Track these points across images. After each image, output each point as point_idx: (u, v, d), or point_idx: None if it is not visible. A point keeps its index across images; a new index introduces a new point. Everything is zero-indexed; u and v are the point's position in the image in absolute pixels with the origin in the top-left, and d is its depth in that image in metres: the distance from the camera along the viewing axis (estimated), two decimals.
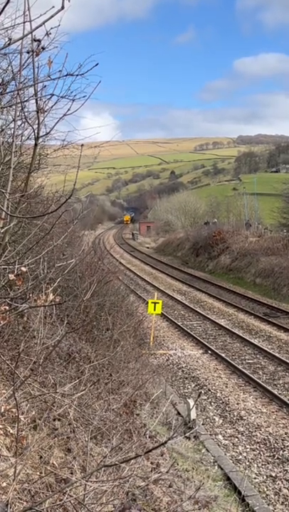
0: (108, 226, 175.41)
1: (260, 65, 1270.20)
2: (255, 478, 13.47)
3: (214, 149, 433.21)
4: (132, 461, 6.32)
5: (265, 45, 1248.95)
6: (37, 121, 5.59)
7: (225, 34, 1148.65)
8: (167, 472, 8.61)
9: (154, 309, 25.50)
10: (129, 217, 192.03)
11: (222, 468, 13.00)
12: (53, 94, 5.51)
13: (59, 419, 7.69)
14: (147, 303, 27.06)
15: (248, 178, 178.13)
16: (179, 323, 31.29)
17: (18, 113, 6.21)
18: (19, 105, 6.00)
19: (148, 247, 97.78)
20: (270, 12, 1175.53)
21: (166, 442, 5.56)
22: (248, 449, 15.11)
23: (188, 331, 29.32)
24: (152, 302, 25.80)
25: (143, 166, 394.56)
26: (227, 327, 30.05)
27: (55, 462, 6.51)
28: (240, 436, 16.02)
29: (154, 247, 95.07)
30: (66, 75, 5.40)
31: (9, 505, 4.85)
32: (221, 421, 17.20)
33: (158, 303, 25.81)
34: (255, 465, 14.19)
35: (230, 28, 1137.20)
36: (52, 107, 5.85)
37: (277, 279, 42.48)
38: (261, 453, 14.85)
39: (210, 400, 18.99)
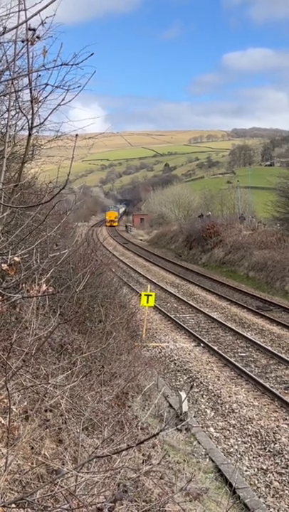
0: (101, 218, 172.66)
1: (248, 60, 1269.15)
2: (246, 470, 13.51)
3: (208, 142, 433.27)
4: (124, 452, 6.32)
5: (253, 41, 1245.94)
6: (31, 111, 5.56)
7: (213, 29, 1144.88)
8: (158, 464, 8.62)
9: (147, 302, 25.49)
10: (115, 214, 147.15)
11: (213, 461, 13.03)
12: (47, 84, 5.49)
13: (51, 410, 7.69)
14: (140, 295, 27.05)
15: (243, 171, 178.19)
16: (171, 316, 31.30)
17: (12, 103, 6.18)
18: (13, 95, 5.96)
19: (141, 240, 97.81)
20: (256, 8, 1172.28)
21: (157, 434, 5.56)
22: (239, 442, 15.14)
23: (181, 323, 29.33)
24: (145, 294, 25.79)
25: (137, 158, 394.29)
26: (220, 320, 30.07)
27: (46, 453, 6.51)
28: (231, 428, 16.05)
29: (147, 240, 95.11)
30: (61, 65, 5.37)
31: (0, 496, 4.85)
32: (213, 413, 17.23)
33: (151, 295, 25.81)
34: (247, 458, 14.22)
35: (218, 24, 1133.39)
36: (46, 97, 5.84)
37: (271, 272, 42.55)
38: (252, 446, 14.89)
39: (202, 392, 19.01)
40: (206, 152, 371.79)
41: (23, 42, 5.23)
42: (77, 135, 6.53)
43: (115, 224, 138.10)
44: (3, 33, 5.55)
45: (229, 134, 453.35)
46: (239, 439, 15.36)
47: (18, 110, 7.12)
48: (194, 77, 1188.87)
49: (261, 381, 19.52)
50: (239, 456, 14.33)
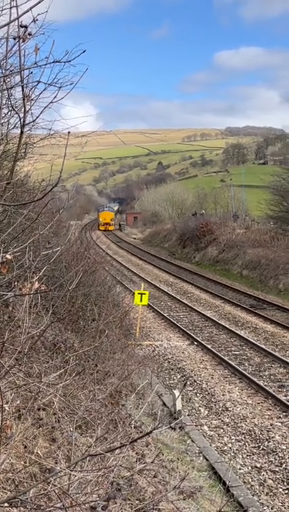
0: (95, 216, 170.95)
1: (240, 59, 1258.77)
2: (240, 469, 13.50)
3: (202, 140, 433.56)
4: (117, 451, 6.31)
5: (245, 39, 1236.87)
6: (23, 109, 5.54)
7: (205, 28, 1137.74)
8: (152, 462, 8.61)
9: (141, 300, 25.45)
10: (111, 215, 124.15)
11: (207, 459, 13.02)
12: (39, 82, 5.48)
13: (44, 409, 7.67)
14: (134, 294, 27.02)
15: (236, 169, 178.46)
16: (165, 315, 31.27)
17: (4, 101, 6.16)
18: (5, 92, 5.94)
19: (135, 238, 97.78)
20: (248, 6, 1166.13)
21: (151, 432, 5.56)
22: (233, 440, 15.14)
23: (175, 322, 29.30)
24: (139, 293, 25.76)
25: (130, 156, 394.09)
26: (213, 318, 30.07)
27: (39, 452, 6.50)
28: (225, 427, 16.04)
29: (141, 238, 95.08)
30: (53, 62, 5.36)
31: None
32: (207, 412, 17.22)
33: (144, 294, 25.77)
34: (240, 456, 14.21)
35: (210, 22, 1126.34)
36: (39, 95, 5.83)
37: (264, 270, 42.60)
38: (246, 444, 14.88)
39: (195, 391, 19.00)
40: (200, 150, 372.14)
41: (14, 39, 5.22)
42: (69, 133, 6.52)
43: (111, 228, 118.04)
44: None
45: (223, 133, 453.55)
46: (233, 437, 15.36)
47: (10, 108, 7.09)
48: (186, 76, 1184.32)
49: (255, 379, 19.52)
50: (233, 454, 14.32)
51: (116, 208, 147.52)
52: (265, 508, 11.70)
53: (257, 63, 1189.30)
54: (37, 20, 5.09)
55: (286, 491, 12.49)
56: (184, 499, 8.40)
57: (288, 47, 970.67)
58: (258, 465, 13.68)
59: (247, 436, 15.30)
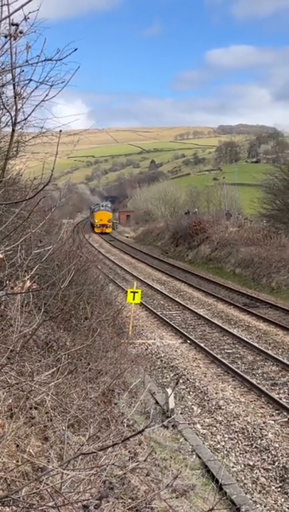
0: (87, 215, 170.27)
1: (231, 57, 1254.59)
2: (233, 467, 13.51)
3: (195, 139, 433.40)
4: (110, 449, 6.30)
5: (235, 38, 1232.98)
6: (14, 107, 5.52)
7: (196, 26, 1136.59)
8: (145, 461, 8.61)
9: (133, 299, 25.46)
10: (109, 215, 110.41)
11: (200, 457, 13.01)
12: (31, 80, 5.46)
13: (36, 408, 7.66)
14: (126, 292, 27.02)
15: (229, 168, 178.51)
16: (158, 313, 31.26)
17: None
18: None
19: (128, 237, 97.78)
20: (239, 5, 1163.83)
21: (143, 430, 5.55)
22: (226, 438, 15.15)
23: (168, 320, 29.30)
24: (131, 291, 25.77)
25: (123, 154, 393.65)
26: (206, 317, 30.07)
27: (31, 451, 6.48)
28: (218, 425, 16.05)
29: (133, 237, 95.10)
30: (44, 60, 5.34)
31: None
32: (200, 410, 17.23)
33: (137, 292, 25.78)
34: (233, 454, 14.23)
35: (201, 21, 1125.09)
36: (31, 93, 5.81)
37: (257, 269, 42.64)
38: (239, 442, 14.90)
39: (188, 389, 19.01)
40: (192, 149, 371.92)
41: (5, 37, 5.20)
42: (61, 131, 6.51)
43: (108, 230, 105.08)
44: None
45: (215, 131, 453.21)
46: (226, 435, 15.37)
47: (1, 106, 7.08)
48: (177, 74, 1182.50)
49: (248, 377, 19.54)
50: (226, 452, 14.34)
51: (108, 209, 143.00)
52: (258, 506, 11.72)
53: (248, 61, 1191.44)
54: (28, 18, 5.07)
55: (279, 489, 12.53)
56: (177, 497, 8.40)
57: (279, 45, 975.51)
58: (251, 463, 13.70)
59: (240, 435, 15.32)
